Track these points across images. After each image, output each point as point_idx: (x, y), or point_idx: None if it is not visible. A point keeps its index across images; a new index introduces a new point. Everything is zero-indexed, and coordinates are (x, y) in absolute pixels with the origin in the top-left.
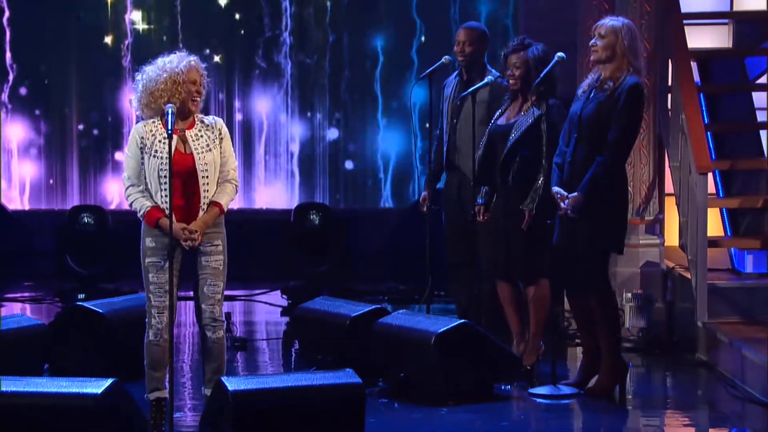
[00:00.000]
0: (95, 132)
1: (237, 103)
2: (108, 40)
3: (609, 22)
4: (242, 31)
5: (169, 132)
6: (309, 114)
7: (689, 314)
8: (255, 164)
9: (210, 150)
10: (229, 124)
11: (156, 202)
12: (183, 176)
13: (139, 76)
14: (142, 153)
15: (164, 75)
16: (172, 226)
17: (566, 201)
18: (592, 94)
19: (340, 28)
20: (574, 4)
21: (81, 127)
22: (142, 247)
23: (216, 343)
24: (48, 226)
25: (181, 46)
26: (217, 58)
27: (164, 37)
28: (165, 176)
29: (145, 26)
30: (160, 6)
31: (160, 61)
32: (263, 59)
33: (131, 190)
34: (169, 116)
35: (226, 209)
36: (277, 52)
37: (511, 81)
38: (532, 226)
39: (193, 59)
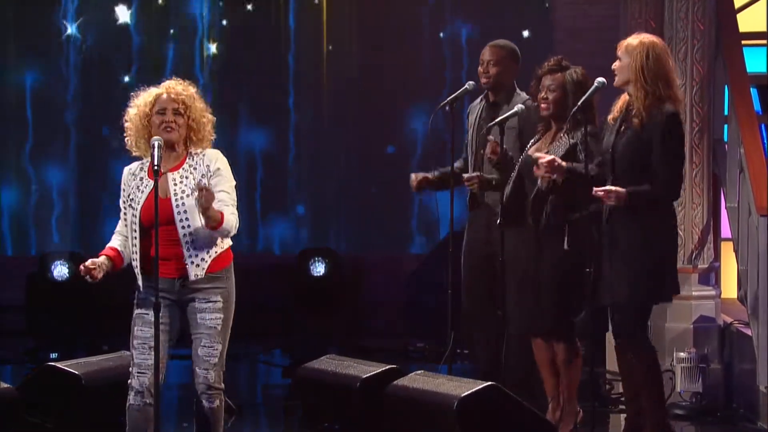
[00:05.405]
0: None
1: None
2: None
3: (628, 40)
4: None
5: (156, 168)
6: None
7: (750, 377)
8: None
9: (192, 194)
10: None
11: (119, 249)
12: (159, 225)
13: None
14: (120, 201)
15: (134, 110)
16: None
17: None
18: (622, 126)
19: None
20: (616, 22)
21: None
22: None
23: (211, 414)
24: (16, 275)
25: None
26: None
27: None
28: (135, 229)
29: None
30: None
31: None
32: None
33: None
34: (156, 150)
35: (225, 224)
36: None
37: (542, 105)
38: (568, 278)
39: (171, 83)
